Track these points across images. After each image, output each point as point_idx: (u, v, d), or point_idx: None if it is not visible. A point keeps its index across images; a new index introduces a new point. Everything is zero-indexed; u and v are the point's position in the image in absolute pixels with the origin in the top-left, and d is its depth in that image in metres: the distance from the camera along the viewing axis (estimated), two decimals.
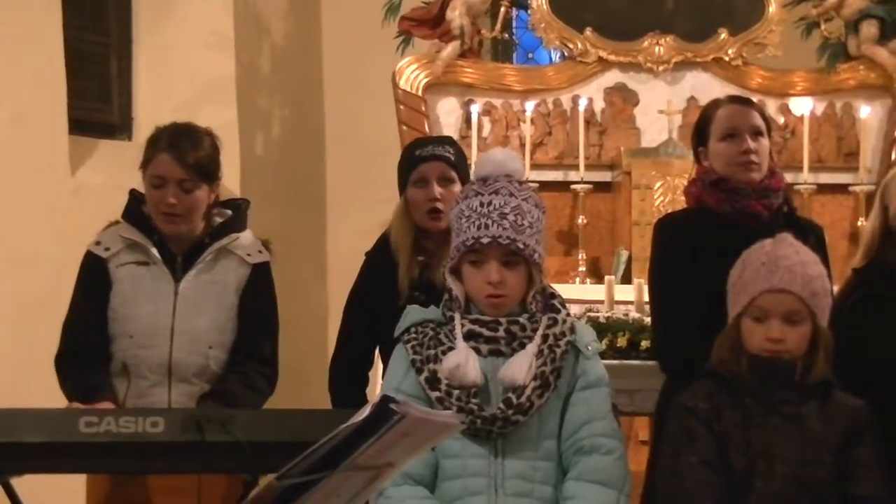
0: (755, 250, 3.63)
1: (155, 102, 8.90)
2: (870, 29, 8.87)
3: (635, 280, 7.44)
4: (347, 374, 4.66)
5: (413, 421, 2.79)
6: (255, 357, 4.29)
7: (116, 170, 7.42)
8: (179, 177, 4.19)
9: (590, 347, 3.54)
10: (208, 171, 4.27)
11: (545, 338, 3.45)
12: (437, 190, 4.38)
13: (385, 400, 2.67)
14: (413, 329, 3.53)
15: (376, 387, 4.59)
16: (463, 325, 3.46)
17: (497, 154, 3.73)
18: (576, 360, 3.49)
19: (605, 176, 8.81)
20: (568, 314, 3.57)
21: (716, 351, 3.57)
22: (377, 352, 4.68)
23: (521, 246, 3.45)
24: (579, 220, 8.63)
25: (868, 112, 8.84)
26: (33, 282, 6.35)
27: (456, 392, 3.39)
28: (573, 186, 8.67)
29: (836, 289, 4.37)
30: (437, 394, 3.40)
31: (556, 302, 3.58)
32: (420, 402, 3.32)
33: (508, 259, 3.46)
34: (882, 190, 4.39)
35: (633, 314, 7.01)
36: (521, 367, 3.39)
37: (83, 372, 4.19)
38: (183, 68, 9.12)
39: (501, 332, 3.45)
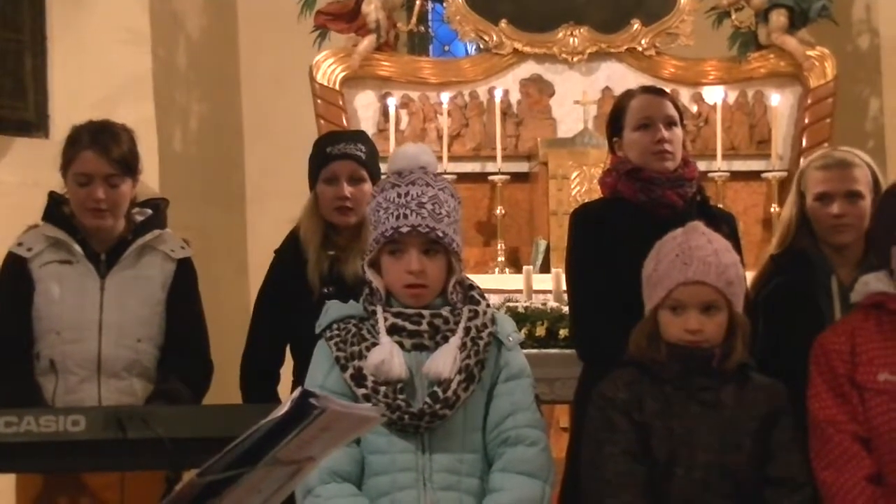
0: (668, 241, 3.63)
1: (71, 99, 8.82)
2: (779, 18, 8.98)
3: (553, 269, 7.46)
4: (258, 371, 4.64)
5: (333, 415, 2.77)
6: (191, 354, 4.31)
7: (33, 168, 7.33)
8: (105, 172, 4.20)
9: (511, 338, 3.54)
10: (131, 165, 4.28)
11: (468, 330, 3.44)
12: (347, 189, 4.39)
13: (305, 394, 2.66)
14: (335, 325, 3.49)
15: (288, 383, 4.57)
16: (386, 319, 3.44)
17: (410, 149, 3.73)
18: (498, 351, 3.49)
19: (522, 167, 8.84)
20: (488, 305, 3.57)
21: (633, 340, 3.58)
22: (288, 348, 4.65)
23: (441, 234, 3.44)
24: (497, 211, 8.65)
25: (779, 100, 8.93)
26: None
27: (382, 388, 3.37)
28: (491, 177, 8.69)
29: (750, 274, 4.42)
30: (363, 391, 3.38)
31: (475, 293, 3.57)
32: (346, 399, 3.30)
33: (428, 248, 3.44)
34: (798, 177, 4.41)
35: (552, 303, 7.03)
36: (445, 360, 3.38)
37: (9, 375, 4.15)
38: (99, 64, 9.05)
39: (425, 326, 3.43)
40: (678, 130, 4.45)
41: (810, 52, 8.95)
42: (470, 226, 8.68)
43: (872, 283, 3.60)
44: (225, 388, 4.56)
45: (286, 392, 4.15)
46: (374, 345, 3.40)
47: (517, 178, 8.76)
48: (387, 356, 3.36)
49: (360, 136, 4.79)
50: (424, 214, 3.43)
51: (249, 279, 8.17)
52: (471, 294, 3.54)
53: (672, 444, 3.43)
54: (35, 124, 8.99)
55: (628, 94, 4.64)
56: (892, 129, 9.63)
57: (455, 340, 3.40)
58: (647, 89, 4.75)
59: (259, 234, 8.74)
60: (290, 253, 4.54)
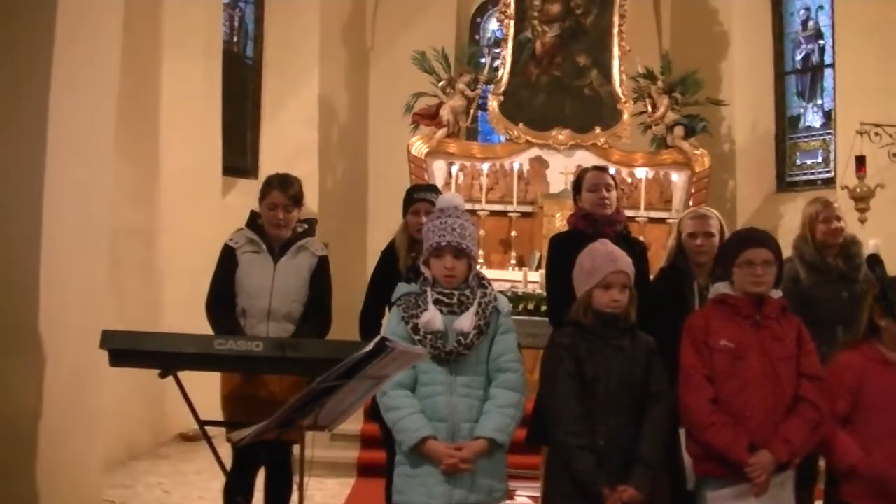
0: (596, 248, 3.47)
1: (271, 157, 8.92)
2: (678, 130, 9.01)
3: (541, 270, 7.42)
4: (371, 318, 4.58)
5: (398, 351, 2.79)
6: (319, 311, 4.23)
7: (249, 196, 7.40)
8: (284, 203, 4.17)
9: (505, 310, 3.47)
10: (298, 200, 4.24)
11: (480, 304, 3.36)
12: (424, 219, 4.33)
13: (382, 339, 2.66)
14: (402, 298, 3.45)
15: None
16: (433, 296, 3.39)
17: (448, 195, 3.67)
18: (497, 316, 3.41)
19: (528, 208, 8.79)
20: (492, 289, 3.48)
21: (573, 310, 3.46)
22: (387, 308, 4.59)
23: (465, 246, 3.37)
24: (512, 234, 8.62)
25: (677, 178, 8.89)
26: (203, 255, 6.19)
27: (429, 336, 3.31)
28: (509, 214, 8.68)
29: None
30: (417, 337, 3.31)
31: (485, 282, 3.48)
32: (407, 342, 3.25)
33: (457, 254, 3.38)
34: (678, 223, 4.34)
35: (538, 290, 6.99)
36: (467, 322, 3.31)
37: (222, 316, 4.12)
38: (289, 137, 9.18)
39: (455, 300, 3.36)
40: (613, 192, 4.34)
41: (696, 152, 8.94)
42: (496, 241, 8.67)
43: (721, 287, 3.53)
44: (345, 329, 4.51)
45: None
46: (425, 311, 3.34)
47: (525, 215, 8.73)
48: (432, 317, 3.29)
49: (433, 188, 4.70)
50: (455, 235, 3.36)
51: (366, 267, 8.18)
52: (482, 282, 3.46)
53: (596, 370, 3.32)
54: (251, 171, 9.09)
55: (585, 170, 4.53)
56: (741, 198, 9.59)
57: (472, 310, 3.33)
58: (595, 167, 4.65)
59: (373, 241, 8.76)
60: (389, 252, 4.48)
